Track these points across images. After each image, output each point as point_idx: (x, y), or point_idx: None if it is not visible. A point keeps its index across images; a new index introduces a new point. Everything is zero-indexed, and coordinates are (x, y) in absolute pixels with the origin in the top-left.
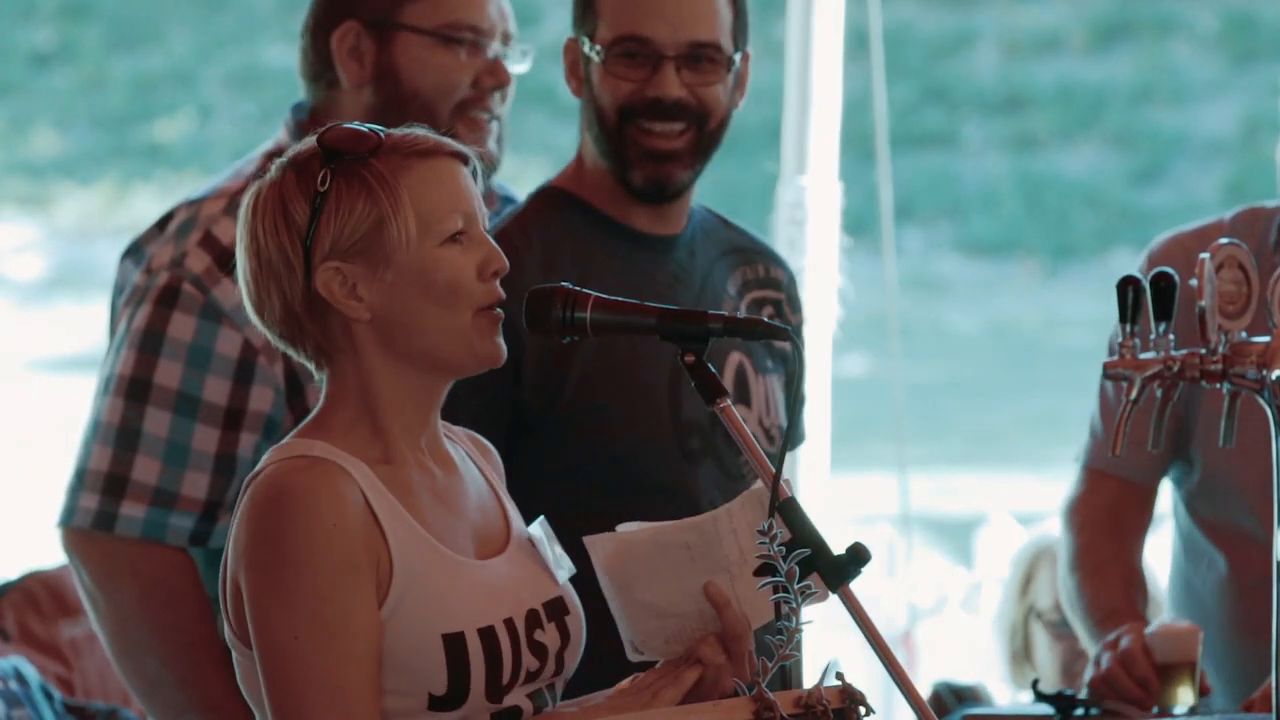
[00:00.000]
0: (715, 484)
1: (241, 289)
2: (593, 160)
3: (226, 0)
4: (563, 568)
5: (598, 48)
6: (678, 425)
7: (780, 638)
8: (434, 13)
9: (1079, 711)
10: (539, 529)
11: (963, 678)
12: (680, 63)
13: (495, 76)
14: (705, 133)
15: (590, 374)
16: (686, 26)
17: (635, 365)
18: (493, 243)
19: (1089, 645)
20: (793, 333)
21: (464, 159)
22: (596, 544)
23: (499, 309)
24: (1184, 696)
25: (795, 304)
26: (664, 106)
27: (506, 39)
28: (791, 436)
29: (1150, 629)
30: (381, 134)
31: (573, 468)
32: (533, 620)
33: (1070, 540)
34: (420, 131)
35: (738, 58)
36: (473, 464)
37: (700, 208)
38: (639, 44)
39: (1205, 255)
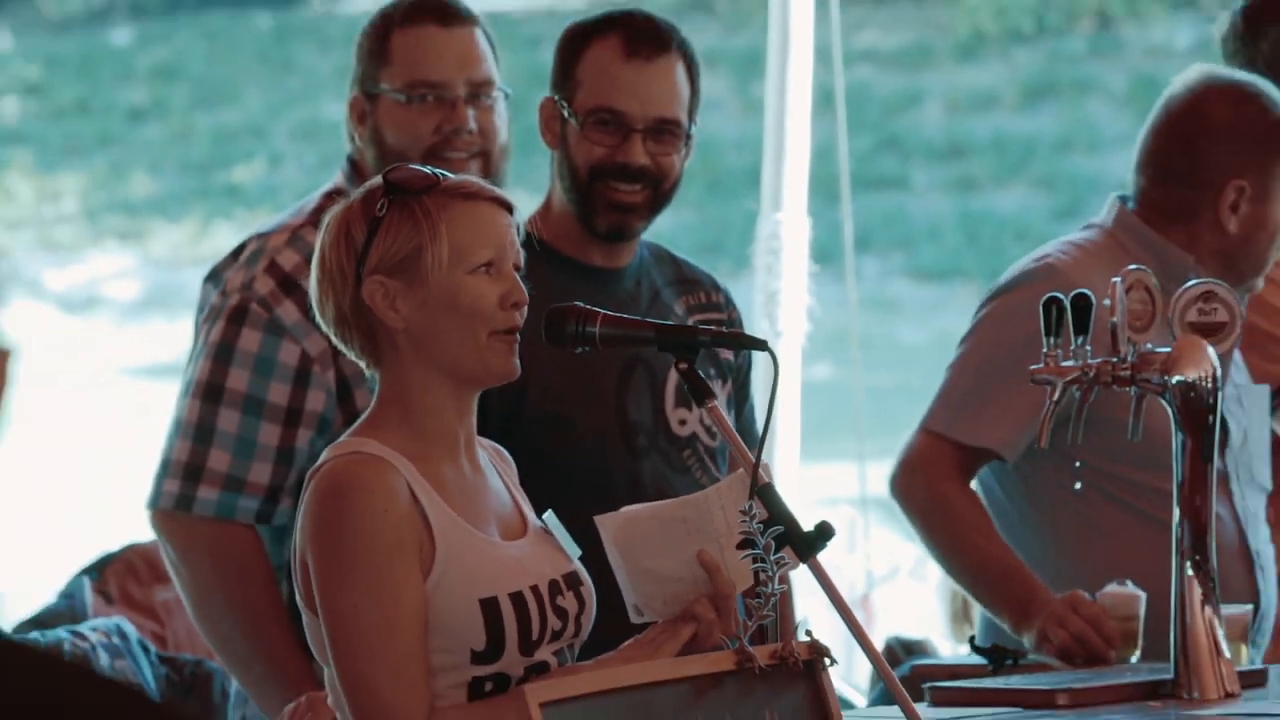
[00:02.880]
0: (660, 476)
1: (310, 290)
2: (560, 205)
3: (293, 65)
4: (572, 549)
5: (576, 114)
6: (625, 427)
7: (759, 601)
8: (399, 75)
9: (1009, 661)
10: (551, 519)
11: (912, 633)
12: (646, 134)
13: (452, 121)
14: (660, 192)
15: (550, 386)
16: (654, 104)
17: (587, 379)
18: (517, 279)
19: (981, 595)
20: (763, 342)
21: (504, 205)
22: (606, 522)
23: (515, 334)
24: (1130, 652)
25: (738, 321)
26: (630, 171)
27: (476, 86)
28: (756, 435)
29: (1100, 593)
30: (440, 178)
31: (539, 465)
32: (554, 589)
33: (933, 502)
34: (471, 179)
35: (693, 129)
36: (493, 467)
37: (645, 244)
38: (613, 115)
39: (1117, 279)
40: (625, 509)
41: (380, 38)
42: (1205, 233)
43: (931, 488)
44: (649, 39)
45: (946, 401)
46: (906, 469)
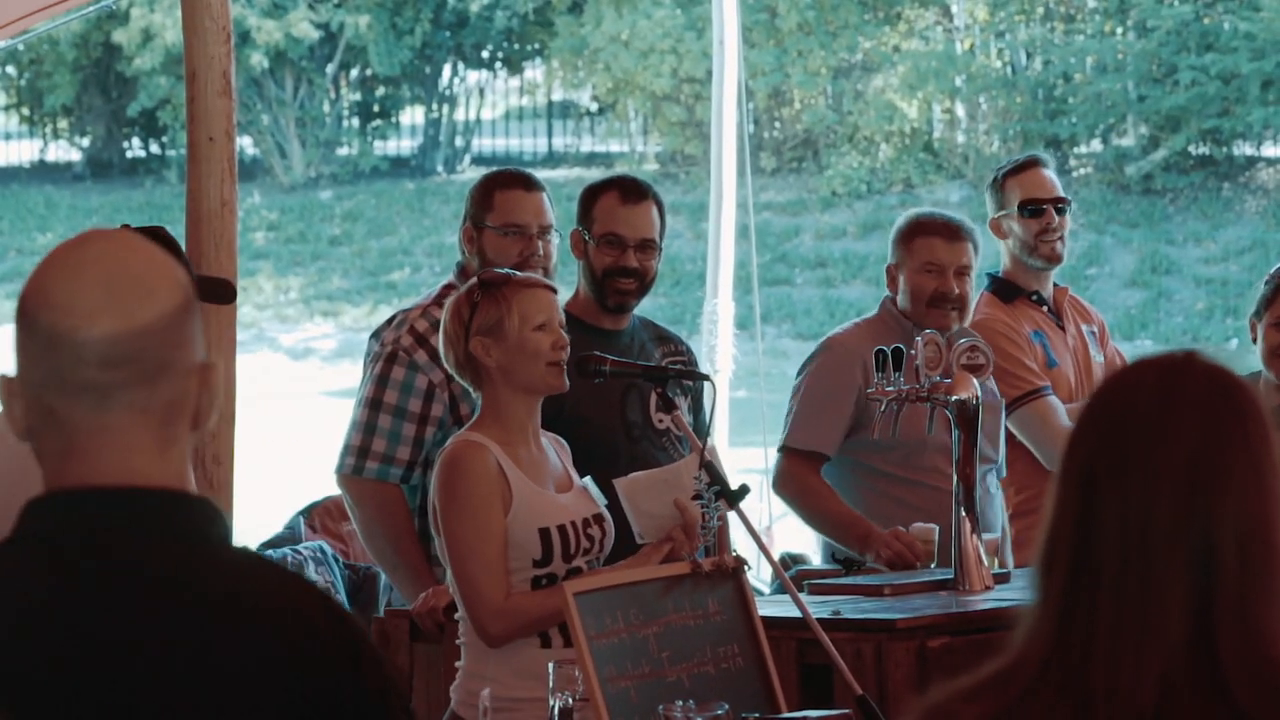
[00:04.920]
0: (648, 454)
1: (439, 347)
2: (584, 292)
3: (427, 211)
4: (600, 499)
5: (593, 238)
6: (626, 425)
7: (704, 531)
8: (498, 218)
9: (855, 567)
10: (588, 481)
11: (796, 550)
12: (635, 249)
13: (530, 248)
14: (645, 284)
15: (578, 402)
16: (640, 231)
17: (599, 397)
18: (559, 331)
19: (839, 538)
20: (707, 375)
21: (550, 289)
22: (619, 482)
23: (562, 364)
24: (929, 562)
25: (693, 362)
26: (626, 271)
27: (542, 229)
28: (705, 430)
29: (911, 526)
30: (511, 275)
31: (576, 448)
32: (586, 523)
33: (796, 487)
34: (529, 275)
35: (662, 246)
36: (552, 448)
37: (636, 316)
38: (615, 238)
39: (919, 338)
40: (632, 474)
41: (487, 192)
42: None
43: (795, 484)
44: (635, 191)
45: (790, 427)
46: (781, 476)
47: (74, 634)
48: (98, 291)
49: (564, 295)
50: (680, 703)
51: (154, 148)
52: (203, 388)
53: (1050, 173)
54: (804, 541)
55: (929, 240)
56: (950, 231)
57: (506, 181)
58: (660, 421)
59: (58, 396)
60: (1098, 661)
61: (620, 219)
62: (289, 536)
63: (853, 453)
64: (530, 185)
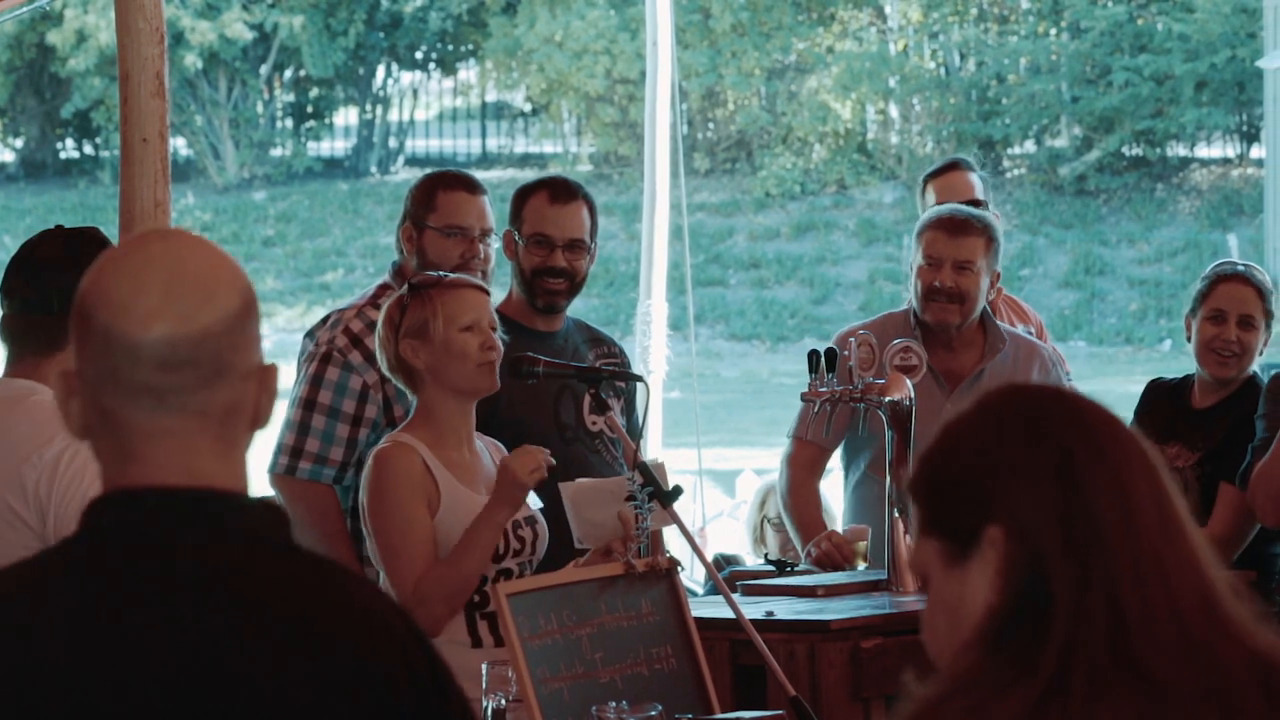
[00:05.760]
0: (581, 456)
1: (375, 352)
2: (516, 293)
3: (361, 212)
4: (535, 502)
5: (523, 238)
6: (559, 427)
7: (638, 531)
8: (441, 219)
9: (788, 569)
10: None
11: (730, 551)
12: (564, 249)
13: (472, 251)
14: (575, 284)
15: (511, 403)
16: (569, 231)
17: (533, 399)
18: (489, 332)
19: (795, 537)
20: (641, 376)
21: (479, 289)
22: (565, 487)
23: (493, 363)
24: (859, 564)
25: (627, 364)
26: (555, 271)
27: (484, 232)
28: (638, 431)
29: (841, 529)
30: (441, 278)
31: (509, 450)
32: (516, 525)
33: (787, 478)
34: (460, 275)
35: (594, 246)
36: (488, 452)
37: (570, 317)
38: (544, 238)
39: (852, 339)
40: (579, 480)
41: (429, 192)
42: None
43: (786, 475)
44: (565, 191)
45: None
46: (782, 460)
47: (135, 635)
48: (156, 293)
49: (499, 296)
50: (614, 704)
51: (88, 149)
52: (262, 389)
53: (972, 176)
54: (737, 542)
55: (931, 234)
56: (953, 225)
57: (450, 183)
58: (594, 423)
59: (114, 397)
60: (1141, 638)
61: (548, 219)
62: None
63: (845, 453)
64: (473, 188)
